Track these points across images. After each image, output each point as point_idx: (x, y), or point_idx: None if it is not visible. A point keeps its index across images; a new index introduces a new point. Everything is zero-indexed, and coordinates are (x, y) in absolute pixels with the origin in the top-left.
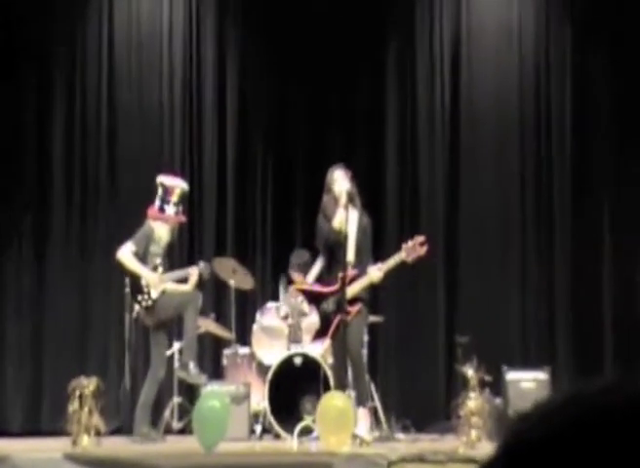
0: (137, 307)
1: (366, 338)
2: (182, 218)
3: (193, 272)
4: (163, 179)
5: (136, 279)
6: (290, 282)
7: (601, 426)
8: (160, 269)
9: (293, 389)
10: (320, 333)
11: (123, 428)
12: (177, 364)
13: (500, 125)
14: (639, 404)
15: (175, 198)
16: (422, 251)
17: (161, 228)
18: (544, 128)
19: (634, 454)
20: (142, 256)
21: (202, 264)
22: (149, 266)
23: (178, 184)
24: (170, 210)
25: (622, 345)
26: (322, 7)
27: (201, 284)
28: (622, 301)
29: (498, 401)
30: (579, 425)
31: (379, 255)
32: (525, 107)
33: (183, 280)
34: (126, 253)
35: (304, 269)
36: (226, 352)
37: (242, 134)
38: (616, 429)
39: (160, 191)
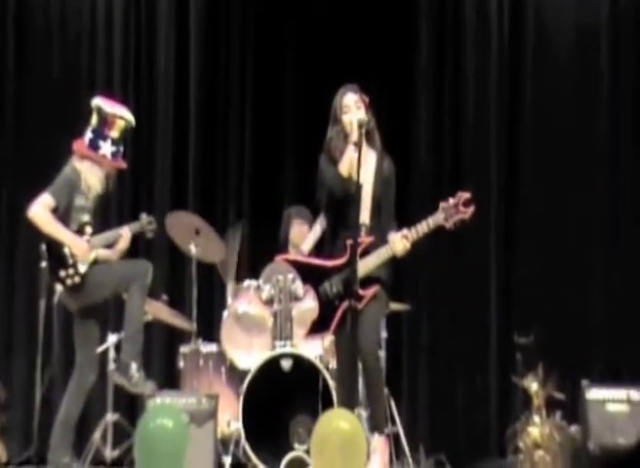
0: (58, 286)
1: (385, 335)
2: (122, 164)
3: (124, 234)
4: (100, 103)
5: (56, 246)
6: (285, 242)
7: None
8: (89, 231)
9: (279, 405)
10: (319, 326)
11: (33, 456)
12: (112, 365)
13: (579, 54)
14: None
15: (115, 133)
16: (468, 213)
17: (91, 172)
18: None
19: None
20: (64, 214)
21: (144, 218)
22: (73, 226)
23: (120, 112)
24: (106, 148)
25: None
26: None
27: (138, 247)
28: None
29: (574, 428)
30: None
31: (405, 218)
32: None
33: (113, 242)
34: (41, 209)
35: (307, 225)
36: (184, 350)
37: (208, 43)
38: None
39: (95, 120)
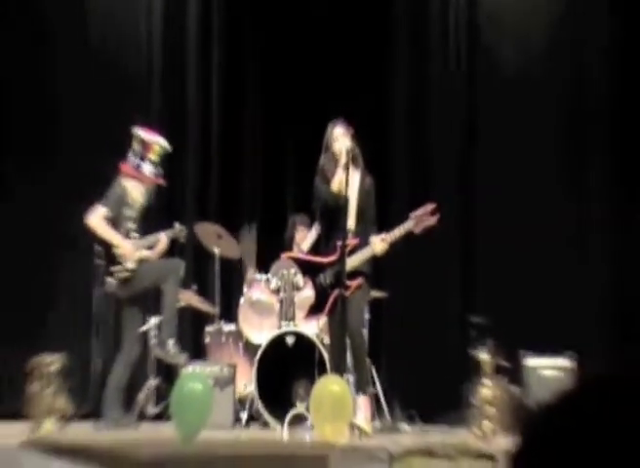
0: (109, 279)
1: (367, 316)
2: (161, 180)
3: (162, 238)
4: (141, 134)
5: (108, 247)
6: (290, 244)
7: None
8: (134, 235)
9: (284, 372)
10: (315, 310)
11: (92, 412)
12: (153, 341)
13: (520, 84)
14: None
15: (153, 156)
16: (433, 220)
17: (135, 188)
18: (575, 89)
19: None
20: (115, 221)
21: (177, 226)
22: (122, 232)
23: (157, 140)
24: (146, 168)
25: None
26: None
27: (175, 248)
28: None
29: (515, 389)
30: (608, 416)
31: (383, 224)
32: (552, 72)
33: (152, 245)
34: (96, 218)
35: (306, 230)
36: (209, 329)
37: (229, 83)
38: None
39: (136, 146)
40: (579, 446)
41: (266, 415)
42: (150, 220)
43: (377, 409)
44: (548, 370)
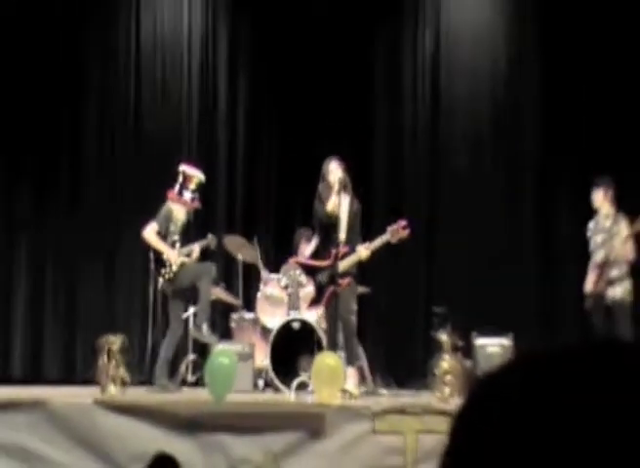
0: (159, 278)
1: (355, 307)
2: (197, 204)
3: (195, 248)
4: (185, 168)
5: (159, 254)
6: (295, 251)
7: (549, 374)
8: (177, 245)
9: (291, 349)
10: (315, 302)
11: (145, 380)
12: (192, 326)
13: (474, 127)
14: (589, 353)
15: (192, 186)
16: (405, 233)
17: (179, 210)
18: (514, 127)
19: (585, 394)
20: (164, 234)
21: (210, 236)
22: (168, 243)
23: (196, 174)
24: (187, 195)
25: (580, 315)
26: (321, 12)
27: (207, 255)
28: (582, 276)
29: (467, 362)
30: (531, 375)
31: (366, 236)
32: (496, 110)
33: (190, 252)
34: (150, 232)
35: (309, 241)
36: (234, 316)
37: (251, 128)
38: (566, 374)
39: (180, 178)
40: (507, 408)
41: (278, 382)
42: (190, 234)
43: (362, 378)
44: (493, 347)
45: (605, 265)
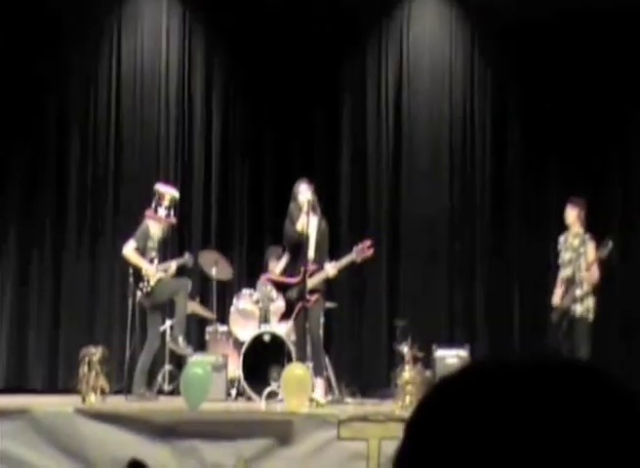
0: (138, 292)
1: (322, 321)
2: (172, 220)
3: (172, 265)
4: (158, 187)
5: (137, 270)
6: (265, 269)
7: (490, 381)
8: (155, 261)
9: (262, 360)
10: (285, 316)
11: (124, 389)
12: (168, 338)
13: (433, 153)
14: (529, 365)
15: (166, 202)
16: (370, 252)
17: (155, 226)
18: (469, 154)
19: (524, 400)
20: (142, 251)
21: (187, 255)
22: (147, 259)
23: (169, 191)
24: (162, 212)
25: (528, 329)
26: (293, 60)
27: (184, 271)
28: (529, 293)
29: (427, 373)
30: (472, 379)
31: (333, 255)
32: (453, 139)
33: (166, 269)
34: (129, 249)
35: (279, 258)
36: (209, 329)
37: (225, 151)
38: (505, 383)
39: (155, 196)
40: (449, 415)
41: (249, 391)
42: (167, 250)
43: (329, 387)
44: (451, 358)
45: (571, 283)
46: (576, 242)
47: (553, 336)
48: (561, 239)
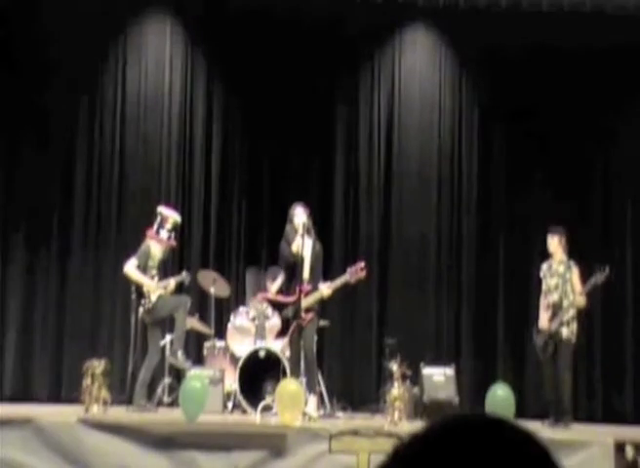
0: (140, 308)
1: (316, 338)
2: (173, 243)
3: (171, 282)
4: (162, 210)
5: (139, 287)
6: (263, 288)
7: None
8: (156, 279)
9: (257, 375)
10: (280, 333)
11: (125, 400)
12: (168, 352)
13: (422, 179)
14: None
15: (169, 225)
16: (362, 274)
17: (156, 247)
18: (456, 181)
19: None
20: (143, 269)
21: (184, 273)
22: (147, 277)
23: (172, 215)
24: (164, 234)
25: (511, 349)
26: (290, 87)
27: (184, 288)
28: (513, 315)
29: (415, 390)
30: (433, 441)
31: (327, 275)
32: (442, 165)
33: (166, 286)
34: (131, 267)
35: (276, 277)
36: (207, 344)
37: (224, 175)
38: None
39: (158, 218)
40: (422, 456)
41: (245, 405)
42: (168, 268)
43: (321, 402)
44: (438, 376)
45: (559, 307)
46: (561, 268)
47: (537, 358)
48: (544, 266)
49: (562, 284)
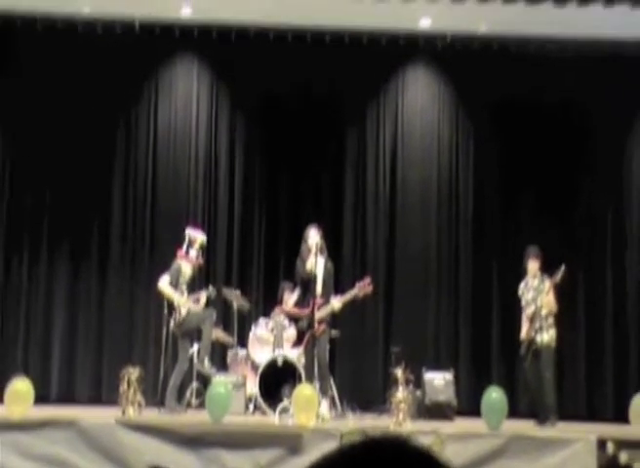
0: (171, 321)
1: (328, 347)
2: (201, 261)
3: (202, 296)
4: (190, 232)
5: (170, 302)
6: (280, 301)
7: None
8: (185, 294)
9: (276, 380)
10: (296, 343)
11: (157, 403)
12: (196, 360)
13: (424, 201)
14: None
15: (197, 246)
16: (370, 288)
17: (185, 266)
18: (454, 203)
19: None
20: (175, 285)
21: (210, 288)
22: (178, 292)
23: (199, 236)
24: (192, 253)
25: (504, 355)
26: (303, 122)
27: (209, 303)
28: (506, 324)
29: (417, 393)
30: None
31: (338, 290)
32: (441, 188)
33: (197, 300)
34: (163, 284)
35: (292, 291)
36: (230, 353)
37: (246, 200)
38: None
39: (187, 240)
40: None
41: (265, 407)
42: (195, 285)
43: (333, 404)
44: (438, 380)
45: (535, 316)
46: (535, 282)
47: (521, 365)
48: (522, 285)
49: (537, 295)
